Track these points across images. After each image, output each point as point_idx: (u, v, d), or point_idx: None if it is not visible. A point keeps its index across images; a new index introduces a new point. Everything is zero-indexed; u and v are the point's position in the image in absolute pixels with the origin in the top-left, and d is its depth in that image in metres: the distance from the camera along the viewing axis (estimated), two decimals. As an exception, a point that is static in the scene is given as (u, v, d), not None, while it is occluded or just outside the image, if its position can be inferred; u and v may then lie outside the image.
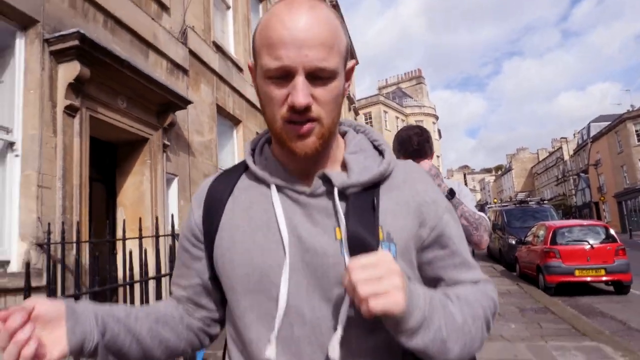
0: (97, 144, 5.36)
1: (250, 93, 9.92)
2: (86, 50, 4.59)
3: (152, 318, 0.91)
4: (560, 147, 74.83)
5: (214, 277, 0.92)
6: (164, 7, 6.87)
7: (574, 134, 69.41)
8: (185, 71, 7.23)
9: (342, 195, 0.83)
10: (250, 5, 10.81)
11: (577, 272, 9.41)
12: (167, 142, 6.49)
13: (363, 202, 0.83)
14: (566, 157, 69.91)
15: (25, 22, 4.46)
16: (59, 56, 4.60)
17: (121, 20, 5.71)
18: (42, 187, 4.32)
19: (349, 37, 0.77)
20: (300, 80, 0.76)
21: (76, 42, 4.49)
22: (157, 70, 6.28)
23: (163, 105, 6.15)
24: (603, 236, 9.95)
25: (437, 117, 49.01)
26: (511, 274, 12.92)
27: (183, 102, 6.43)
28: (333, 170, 0.86)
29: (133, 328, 0.86)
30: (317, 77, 0.77)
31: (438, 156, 47.62)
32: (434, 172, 2.19)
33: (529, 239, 11.68)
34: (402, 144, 2.28)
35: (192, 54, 7.49)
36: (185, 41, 7.31)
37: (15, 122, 4.36)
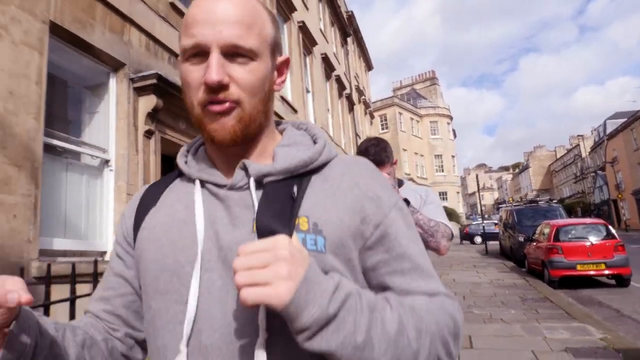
0: (166, 159, 6.50)
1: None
2: (160, 86, 5.75)
3: (79, 340, 0.78)
4: (578, 145, 74.69)
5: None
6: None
7: (591, 131, 69.32)
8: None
9: (261, 185, 0.78)
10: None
11: (578, 267, 10.35)
12: None
13: (280, 191, 0.77)
14: (584, 155, 69.84)
15: (116, 65, 5.63)
16: (140, 91, 5.77)
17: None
18: (130, 194, 5.50)
19: (278, 31, 0.88)
20: (214, 56, 0.73)
21: (154, 81, 5.65)
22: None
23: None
24: (604, 233, 10.88)
25: (451, 118, 49.71)
26: (520, 269, 13.85)
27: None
28: (259, 162, 0.82)
29: (62, 349, 0.74)
30: (234, 55, 0.74)
31: (453, 156, 48.32)
32: (390, 182, 2.47)
33: (536, 236, 12.64)
34: (360, 153, 2.38)
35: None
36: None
37: (109, 144, 5.55)
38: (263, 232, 0.71)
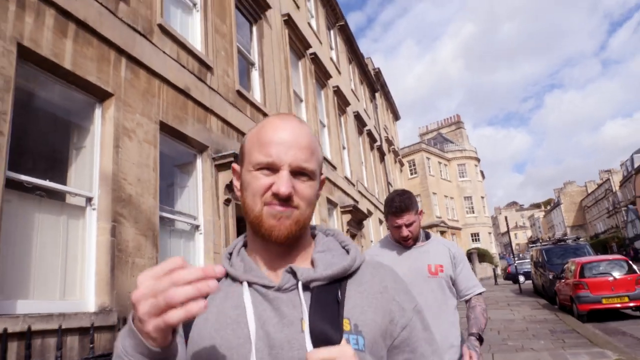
0: (240, 220, 7.87)
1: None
2: (235, 161, 7.19)
3: None
4: (608, 179, 74.22)
5: None
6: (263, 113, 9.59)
7: (620, 165, 69.07)
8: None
9: (307, 289, 0.86)
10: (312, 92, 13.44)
11: (604, 301, 11.17)
12: None
13: (327, 295, 0.86)
14: (615, 189, 69.35)
15: (201, 148, 7.14)
16: (220, 167, 7.24)
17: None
18: (216, 253, 6.85)
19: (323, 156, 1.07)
20: (285, 173, 0.86)
21: (231, 159, 7.11)
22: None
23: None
24: (625, 269, 11.73)
25: (478, 160, 50.64)
26: (552, 306, 14.58)
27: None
28: (301, 265, 0.91)
29: None
30: (298, 174, 0.88)
31: (482, 197, 48.94)
32: (417, 232, 2.57)
33: (564, 274, 13.48)
34: (386, 203, 2.54)
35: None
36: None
37: (198, 212, 6.96)
38: (317, 334, 0.80)
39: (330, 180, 13.24)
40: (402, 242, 2.54)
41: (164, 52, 6.33)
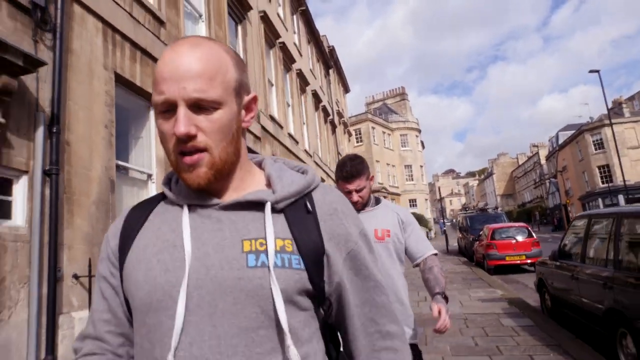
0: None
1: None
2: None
3: None
4: (537, 152, 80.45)
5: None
6: None
7: (548, 140, 75.18)
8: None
9: (267, 209, 0.87)
10: None
11: (507, 258, 14.30)
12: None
13: (297, 211, 0.89)
14: (542, 162, 75.55)
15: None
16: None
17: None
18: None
19: (243, 72, 0.93)
20: (181, 110, 0.81)
21: None
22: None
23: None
24: (526, 234, 14.91)
25: (419, 131, 54.17)
26: (471, 263, 17.80)
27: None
28: (235, 194, 0.91)
29: None
30: (199, 107, 0.83)
31: (421, 166, 52.74)
32: (367, 196, 2.55)
33: (481, 237, 16.62)
34: (338, 168, 2.53)
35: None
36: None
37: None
38: (305, 248, 0.86)
39: (293, 153, 15.49)
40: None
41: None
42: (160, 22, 7.57)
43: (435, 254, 2.53)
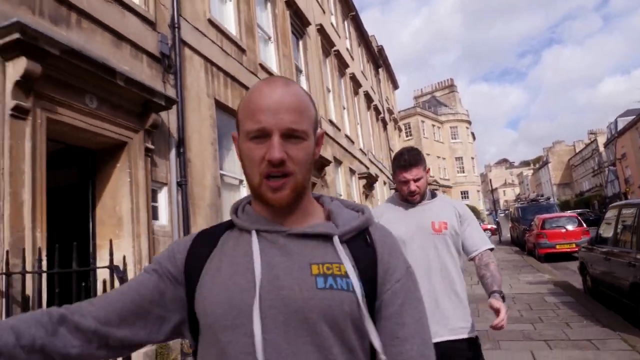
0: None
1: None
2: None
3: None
4: (595, 140, 77.88)
5: (168, 316, 0.98)
6: None
7: (607, 126, 72.66)
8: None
9: (329, 239, 0.95)
10: None
11: (557, 246, 15.00)
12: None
13: (358, 243, 0.98)
14: (601, 149, 73.15)
15: None
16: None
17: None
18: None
19: (317, 111, 1.04)
20: (275, 139, 0.90)
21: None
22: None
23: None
24: (576, 223, 15.54)
25: (469, 122, 54.14)
26: (522, 252, 18.50)
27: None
28: (301, 221, 0.99)
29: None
30: (290, 136, 0.91)
31: (472, 158, 52.74)
32: (424, 188, 2.52)
33: (532, 227, 17.31)
34: (395, 158, 2.55)
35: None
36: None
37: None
38: (367, 278, 0.93)
39: (350, 153, 16.75)
40: (409, 198, 2.50)
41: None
42: (242, 51, 9.01)
43: (492, 249, 2.50)
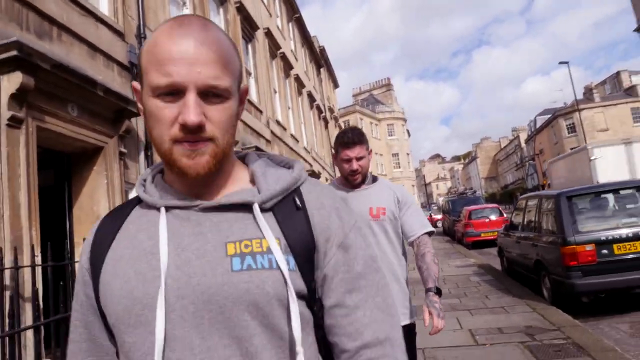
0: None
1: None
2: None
3: None
4: (518, 136, 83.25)
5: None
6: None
7: (528, 124, 78.16)
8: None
9: (250, 208, 0.81)
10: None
11: (482, 235, 16.63)
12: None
13: (286, 207, 0.83)
14: (523, 145, 78.36)
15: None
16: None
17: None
18: None
19: (241, 59, 0.92)
20: (191, 97, 0.73)
21: (14, 52, 4.46)
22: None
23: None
24: (498, 213, 17.27)
25: (405, 120, 56.57)
26: (453, 241, 20.17)
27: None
28: (224, 189, 0.85)
29: None
30: (210, 95, 0.75)
31: (408, 154, 55.23)
32: (365, 172, 2.48)
33: (460, 218, 18.96)
34: (338, 137, 2.48)
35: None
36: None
37: None
38: (300, 248, 0.80)
39: (295, 151, 17.60)
40: (350, 177, 2.42)
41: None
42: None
43: (431, 233, 2.47)
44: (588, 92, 49.74)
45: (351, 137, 2.41)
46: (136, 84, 0.85)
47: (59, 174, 6.14)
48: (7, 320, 3.46)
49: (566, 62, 30.17)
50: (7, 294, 3.77)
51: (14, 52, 4.50)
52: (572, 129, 47.59)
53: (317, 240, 0.82)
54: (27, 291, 4.21)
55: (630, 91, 49.20)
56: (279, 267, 0.76)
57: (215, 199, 0.83)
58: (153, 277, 0.76)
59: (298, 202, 0.84)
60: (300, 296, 0.79)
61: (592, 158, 14.06)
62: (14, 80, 4.62)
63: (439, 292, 2.26)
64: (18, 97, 4.68)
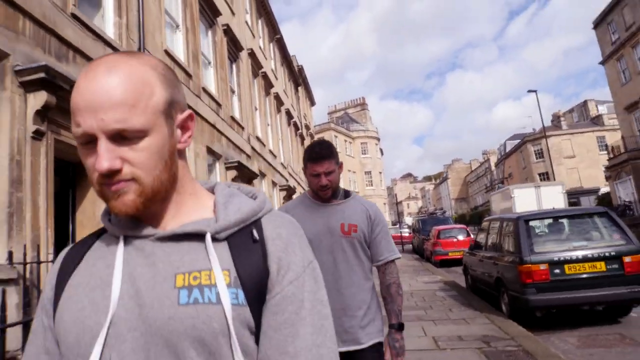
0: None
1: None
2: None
3: None
4: (488, 159, 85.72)
5: None
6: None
7: (498, 147, 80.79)
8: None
9: (213, 239, 0.80)
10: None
11: (450, 253, 17.46)
12: None
13: (244, 239, 0.81)
14: (493, 168, 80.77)
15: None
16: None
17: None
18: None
19: (173, 88, 0.83)
20: (101, 145, 0.73)
21: (42, 74, 5.06)
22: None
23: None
24: (465, 234, 18.17)
25: (378, 139, 57.87)
26: (422, 259, 20.96)
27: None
28: (174, 221, 0.83)
29: None
30: (122, 138, 0.74)
31: (380, 172, 56.41)
32: (335, 186, 2.38)
33: (430, 237, 19.82)
34: (306, 151, 2.38)
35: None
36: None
37: None
38: (251, 282, 0.77)
39: (272, 167, 18.19)
40: (320, 193, 2.34)
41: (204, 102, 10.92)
42: (189, 76, 10.20)
43: (397, 259, 2.43)
44: (556, 119, 52.00)
45: (319, 152, 2.32)
46: None
47: (65, 182, 6.62)
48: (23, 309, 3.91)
49: (534, 91, 31.58)
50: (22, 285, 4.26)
51: (42, 75, 5.06)
52: (540, 154, 49.60)
53: (270, 270, 0.79)
54: (42, 283, 4.70)
55: (596, 120, 51.69)
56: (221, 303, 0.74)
57: (171, 228, 0.82)
58: (105, 307, 0.76)
59: (256, 234, 0.81)
60: (249, 330, 0.76)
61: (512, 196, 20.59)
62: (39, 98, 5.16)
63: (400, 327, 2.28)
64: (41, 113, 5.25)
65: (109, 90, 0.73)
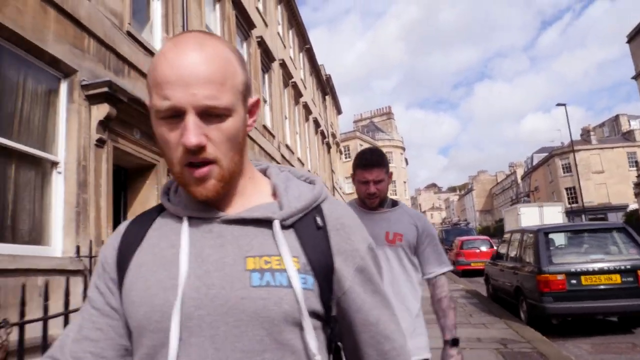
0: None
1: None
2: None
3: None
4: (515, 172, 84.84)
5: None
6: (272, 135, 14.88)
7: (525, 160, 79.93)
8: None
9: (270, 224, 0.81)
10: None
11: (472, 264, 17.71)
12: None
13: (307, 227, 0.83)
14: (519, 181, 79.89)
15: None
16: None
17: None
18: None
19: (247, 71, 0.86)
20: (190, 119, 0.74)
21: (105, 89, 5.69)
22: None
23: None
24: (488, 245, 18.39)
25: (404, 149, 58.12)
26: (444, 269, 21.22)
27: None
28: (250, 205, 0.85)
29: None
30: (209, 115, 0.76)
31: (405, 182, 56.56)
32: (384, 194, 2.34)
33: (453, 247, 20.08)
34: (357, 157, 2.34)
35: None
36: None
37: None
38: (319, 267, 0.80)
39: (300, 174, 18.69)
40: (367, 201, 2.30)
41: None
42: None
43: (448, 270, 2.40)
44: (585, 133, 51.41)
45: (370, 159, 2.27)
46: (148, 102, 0.82)
47: (117, 185, 7.23)
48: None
49: (563, 104, 31.44)
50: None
51: (105, 89, 5.68)
52: (567, 168, 49.09)
53: (335, 261, 0.82)
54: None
55: (627, 135, 50.89)
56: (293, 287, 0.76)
57: (237, 212, 0.83)
58: (172, 286, 0.77)
59: (319, 221, 0.84)
60: (316, 315, 0.79)
61: (518, 213, 23.89)
62: (102, 110, 5.79)
63: (455, 343, 2.23)
64: (103, 123, 5.87)
65: (203, 66, 0.75)
